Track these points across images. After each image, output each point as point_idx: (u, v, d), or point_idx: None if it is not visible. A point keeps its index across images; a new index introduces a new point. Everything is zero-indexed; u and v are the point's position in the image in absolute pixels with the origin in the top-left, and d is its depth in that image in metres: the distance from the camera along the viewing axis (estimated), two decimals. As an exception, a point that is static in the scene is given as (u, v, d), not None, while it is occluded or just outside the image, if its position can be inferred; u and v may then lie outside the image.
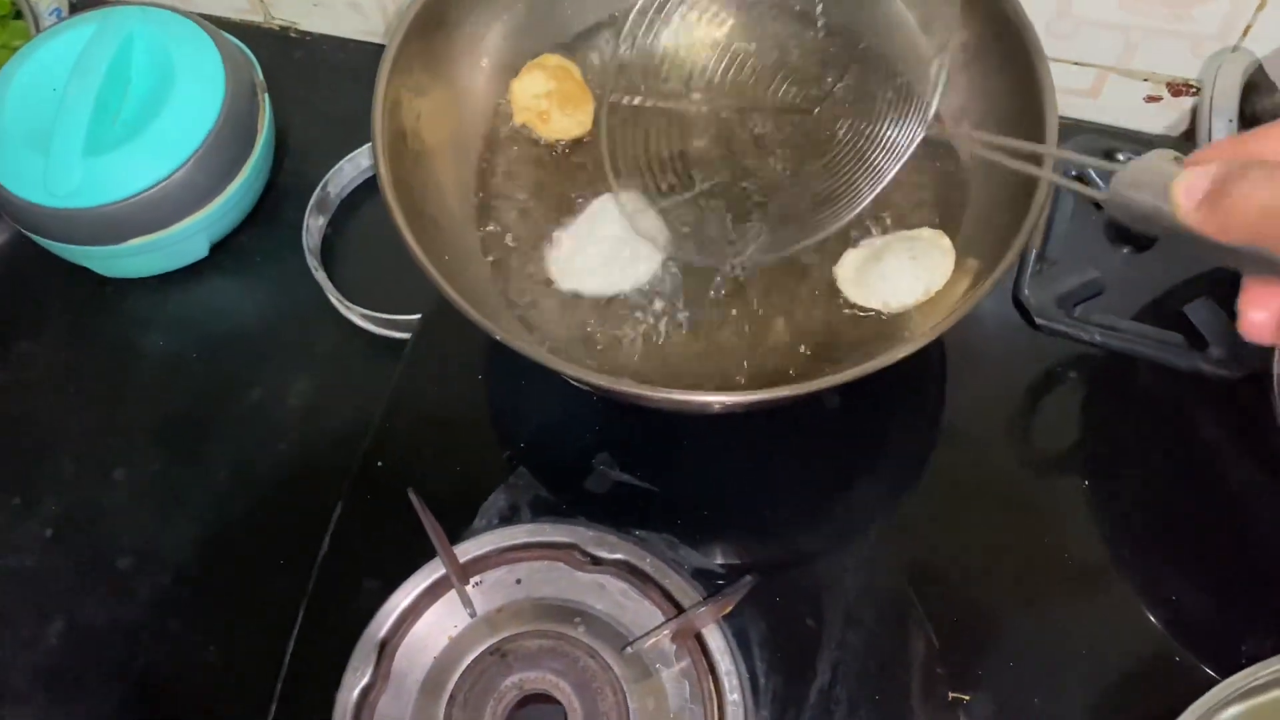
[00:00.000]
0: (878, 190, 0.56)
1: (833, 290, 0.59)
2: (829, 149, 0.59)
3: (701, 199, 0.61)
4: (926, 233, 0.59)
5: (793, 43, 0.64)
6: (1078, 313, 0.61)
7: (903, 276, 0.58)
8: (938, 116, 0.54)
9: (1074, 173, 0.66)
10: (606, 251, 0.59)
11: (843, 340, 0.58)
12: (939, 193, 0.61)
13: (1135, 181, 0.38)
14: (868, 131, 0.57)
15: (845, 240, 0.60)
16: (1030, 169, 0.51)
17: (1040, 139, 0.54)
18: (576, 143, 0.64)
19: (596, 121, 0.63)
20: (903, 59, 0.60)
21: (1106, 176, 0.64)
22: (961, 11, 0.57)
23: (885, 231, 0.60)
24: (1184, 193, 0.36)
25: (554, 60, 0.64)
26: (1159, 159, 0.38)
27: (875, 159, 0.57)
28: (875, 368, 0.49)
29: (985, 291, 0.50)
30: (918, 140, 0.55)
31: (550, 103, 0.62)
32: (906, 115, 0.55)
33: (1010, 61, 0.56)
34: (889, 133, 0.56)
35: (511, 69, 0.64)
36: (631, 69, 0.61)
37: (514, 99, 0.64)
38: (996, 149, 0.51)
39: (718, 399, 0.54)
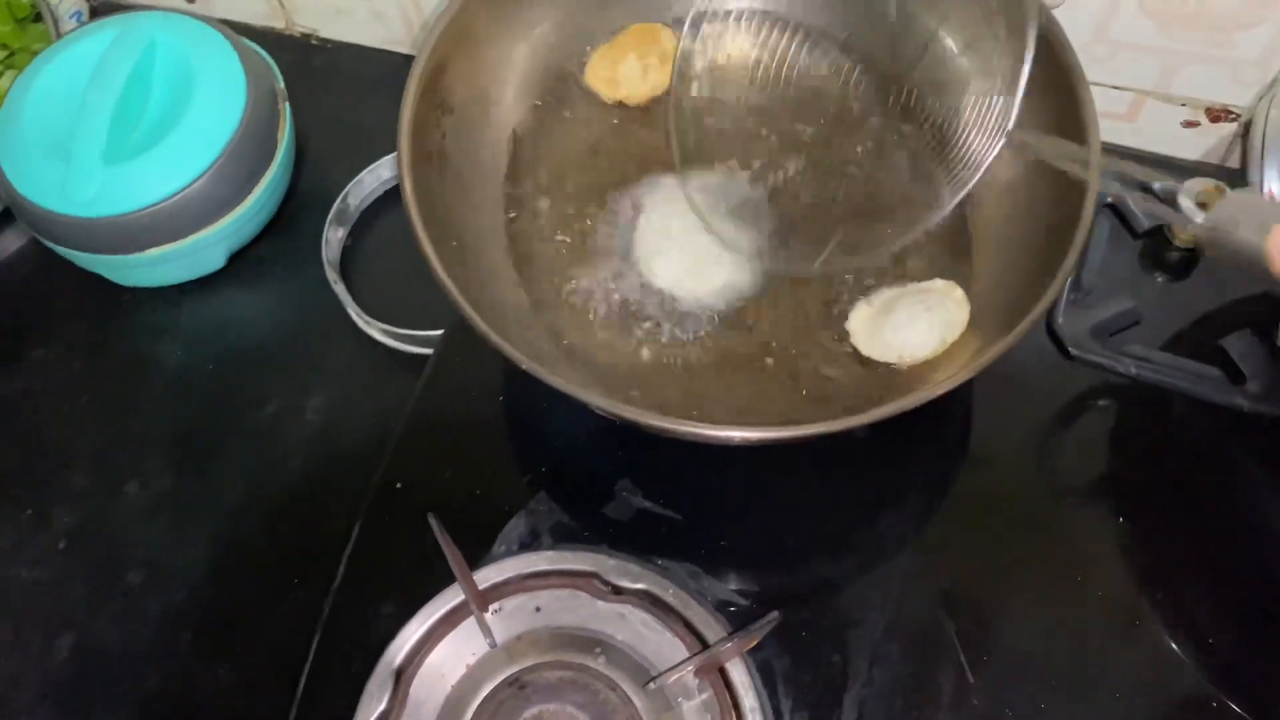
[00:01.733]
0: (959, 198, 0.55)
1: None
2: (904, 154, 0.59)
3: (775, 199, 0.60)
4: (939, 284, 0.58)
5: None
6: (1112, 343, 0.60)
7: (916, 329, 0.57)
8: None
9: (1109, 200, 0.65)
10: (698, 252, 0.58)
11: (861, 390, 0.57)
12: (952, 244, 0.60)
13: (1233, 218, 0.37)
14: (948, 133, 0.57)
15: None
16: (1077, 171, 0.50)
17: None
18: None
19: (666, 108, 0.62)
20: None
21: (1143, 204, 0.64)
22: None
23: (893, 284, 0.59)
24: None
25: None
26: (1257, 199, 0.38)
27: (955, 165, 0.56)
28: (910, 405, 0.48)
29: (1025, 329, 0.49)
30: (998, 147, 0.53)
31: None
32: (986, 122, 0.54)
33: (1050, 84, 0.55)
34: (970, 138, 0.55)
35: (542, 80, 0.63)
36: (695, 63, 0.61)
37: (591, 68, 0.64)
38: (1060, 155, 0.50)
39: (745, 435, 0.53)
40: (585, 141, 0.64)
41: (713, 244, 0.59)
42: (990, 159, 0.54)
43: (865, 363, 0.58)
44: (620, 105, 0.65)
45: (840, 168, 0.62)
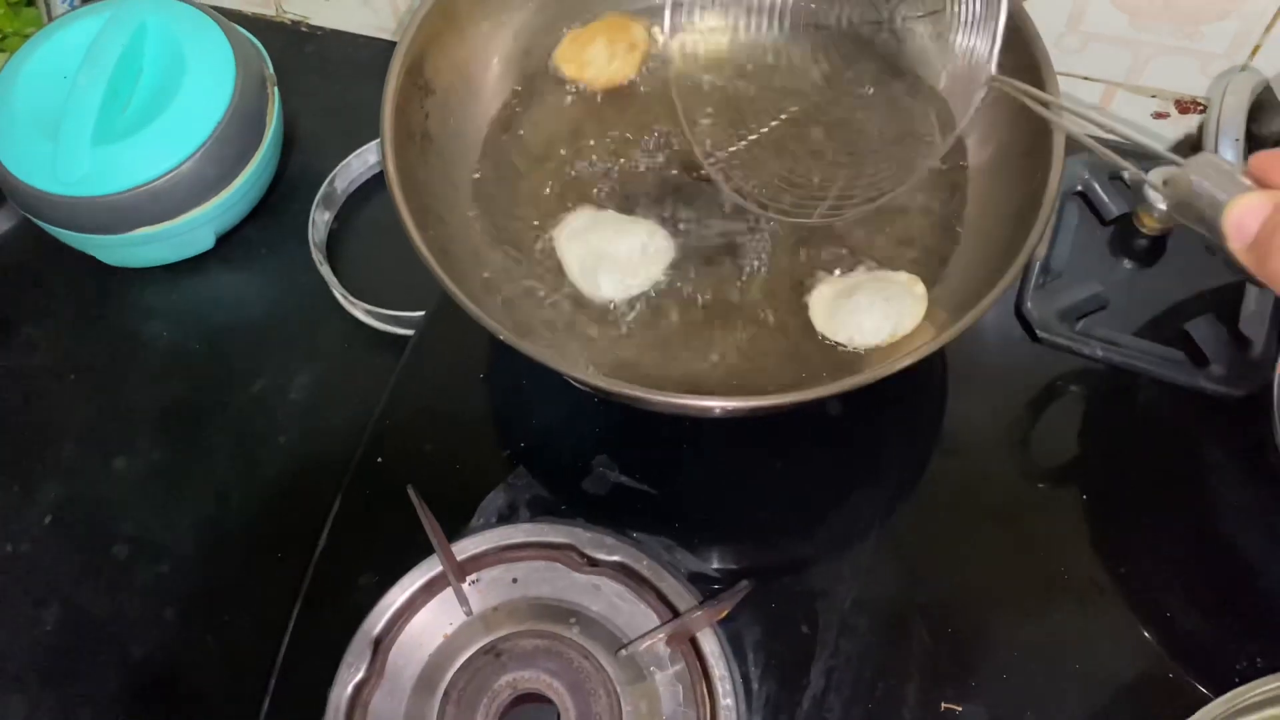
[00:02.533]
0: (954, 135, 0.56)
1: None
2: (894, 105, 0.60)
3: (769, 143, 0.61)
4: (903, 277, 0.59)
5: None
6: (1080, 327, 0.61)
7: (871, 315, 0.57)
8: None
9: (1078, 188, 0.66)
10: (625, 252, 0.59)
11: (811, 365, 0.58)
12: (928, 239, 0.61)
13: (1197, 186, 0.38)
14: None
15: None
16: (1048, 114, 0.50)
17: (1047, 150, 0.54)
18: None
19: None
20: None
21: (1114, 194, 0.65)
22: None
23: (863, 268, 0.60)
24: (1234, 230, 0.37)
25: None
26: (1221, 165, 0.38)
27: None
28: (880, 375, 0.49)
29: (991, 302, 0.50)
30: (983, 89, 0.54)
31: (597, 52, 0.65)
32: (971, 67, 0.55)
33: (1020, 75, 0.56)
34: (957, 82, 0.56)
35: (521, 65, 0.65)
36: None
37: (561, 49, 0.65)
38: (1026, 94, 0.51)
39: (720, 404, 0.55)
40: (562, 125, 0.65)
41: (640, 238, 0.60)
42: (977, 99, 0.54)
43: (818, 341, 0.59)
44: (583, 89, 0.66)
45: (831, 122, 0.63)
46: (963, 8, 0.55)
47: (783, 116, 0.62)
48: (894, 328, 0.57)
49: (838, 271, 0.60)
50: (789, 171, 0.60)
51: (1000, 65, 0.53)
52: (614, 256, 0.59)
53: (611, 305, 0.59)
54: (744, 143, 0.61)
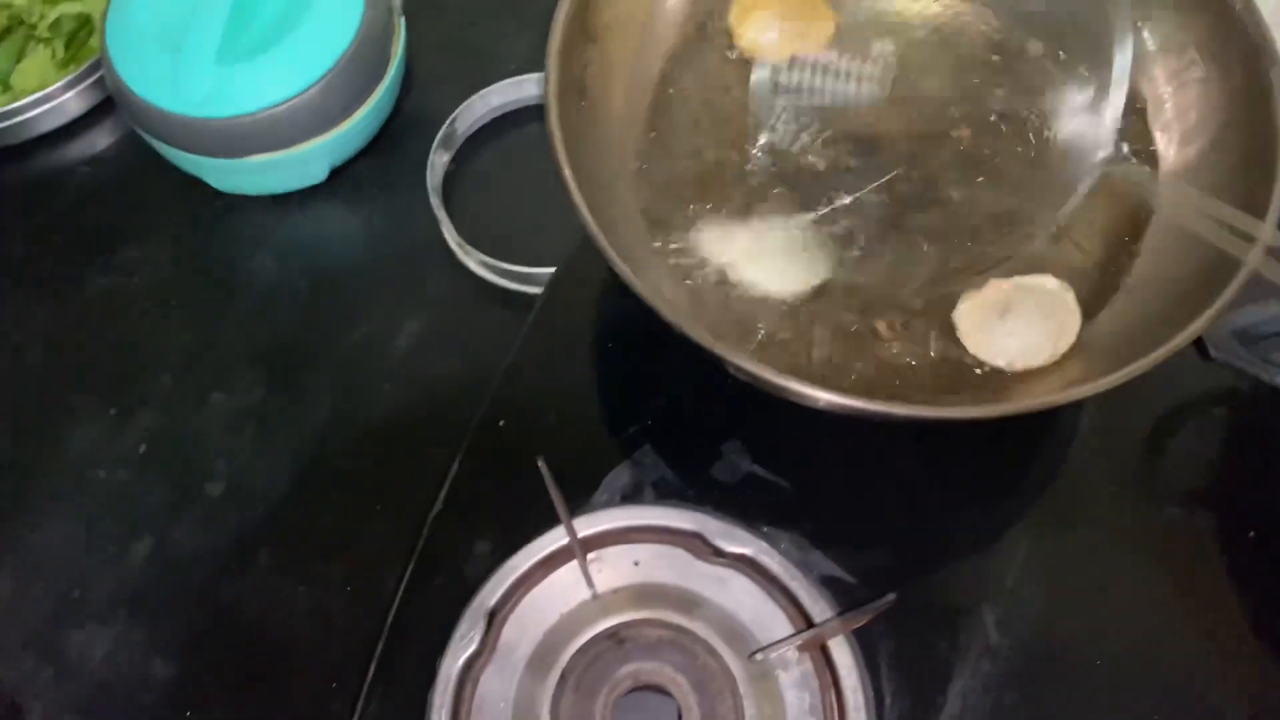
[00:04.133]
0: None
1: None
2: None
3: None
4: (1052, 283, 0.55)
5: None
6: (1258, 349, 0.57)
7: (1031, 334, 0.53)
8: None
9: None
10: (784, 249, 0.55)
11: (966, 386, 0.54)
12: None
13: None
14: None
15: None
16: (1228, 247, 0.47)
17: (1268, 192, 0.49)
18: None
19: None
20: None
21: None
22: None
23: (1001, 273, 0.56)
24: None
25: None
26: None
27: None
28: (1053, 404, 0.46)
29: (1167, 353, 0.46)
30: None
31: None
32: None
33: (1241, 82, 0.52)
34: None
35: (693, 23, 0.60)
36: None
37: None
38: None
39: (874, 407, 0.51)
40: (726, 92, 0.61)
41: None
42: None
43: (967, 357, 0.55)
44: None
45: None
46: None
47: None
48: (1054, 347, 0.54)
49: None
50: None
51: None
52: (772, 254, 0.55)
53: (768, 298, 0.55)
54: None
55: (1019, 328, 0.54)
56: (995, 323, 0.54)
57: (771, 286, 0.55)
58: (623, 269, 0.46)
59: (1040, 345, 0.54)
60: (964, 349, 0.54)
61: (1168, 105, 0.58)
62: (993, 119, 0.59)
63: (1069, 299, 0.55)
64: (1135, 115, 0.58)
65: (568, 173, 0.49)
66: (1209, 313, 0.47)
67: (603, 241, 0.47)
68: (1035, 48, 0.60)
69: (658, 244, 0.56)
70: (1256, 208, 0.49)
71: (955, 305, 0.55)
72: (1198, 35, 0.56)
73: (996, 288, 0.55)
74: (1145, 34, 0.57)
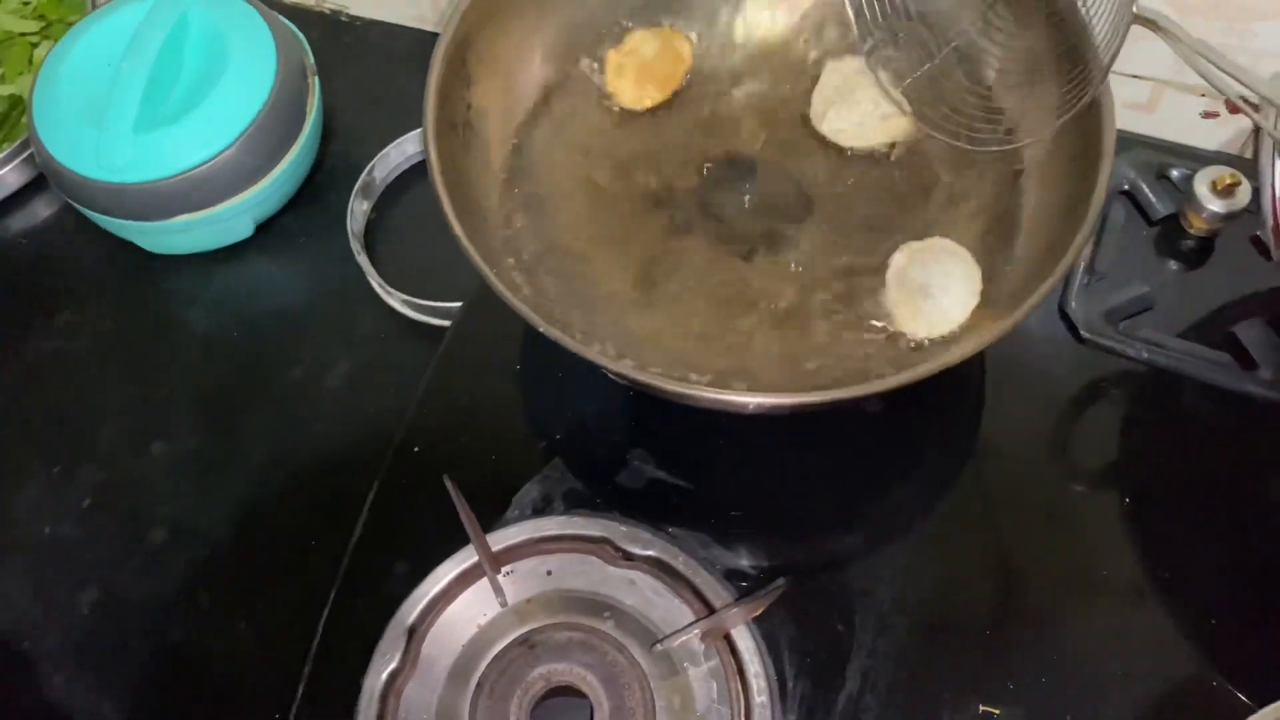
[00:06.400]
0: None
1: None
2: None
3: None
4: (943, 242, 0.58)
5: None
6: (1124, 328, 0.60)
7: (954, 292, 0.56)
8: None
9: (1125, 187, 0.65)
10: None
11: (876, 359, 0.57)
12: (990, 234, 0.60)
13: None
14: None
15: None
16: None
17: (1097, 149, 0.53)
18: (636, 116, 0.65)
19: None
20: None
21: (1161, 194, 0.64)
22: (1017, 20, 0.57)
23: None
24: None
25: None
26: None
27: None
28: (924, 374, 0.49)
29: (1040, 298, 0.49)
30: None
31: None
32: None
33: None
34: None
35: (565, 57, 0.64)
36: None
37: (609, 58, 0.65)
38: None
39: (754, 399, 0.54)
40: (595, 135, 0.65)
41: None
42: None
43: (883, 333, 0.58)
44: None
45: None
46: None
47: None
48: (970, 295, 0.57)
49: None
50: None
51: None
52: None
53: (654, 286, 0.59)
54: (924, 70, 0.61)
55: (938, 290, 0.57)
56: (917, 296, 0.57)
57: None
58: (489, 277, 0.50)
59: (965, 300, 0.57)
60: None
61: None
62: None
63: (963, 251, 0.58)
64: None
65: (445, 198, 0.52)
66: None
67: (472, 252, 0.50)
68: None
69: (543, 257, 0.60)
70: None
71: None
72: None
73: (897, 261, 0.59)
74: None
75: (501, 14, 0.61)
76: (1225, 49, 0.64)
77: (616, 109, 0.65)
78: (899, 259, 0.58)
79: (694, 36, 0.66)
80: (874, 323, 0.58)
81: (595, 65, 0.66)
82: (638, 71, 0.65)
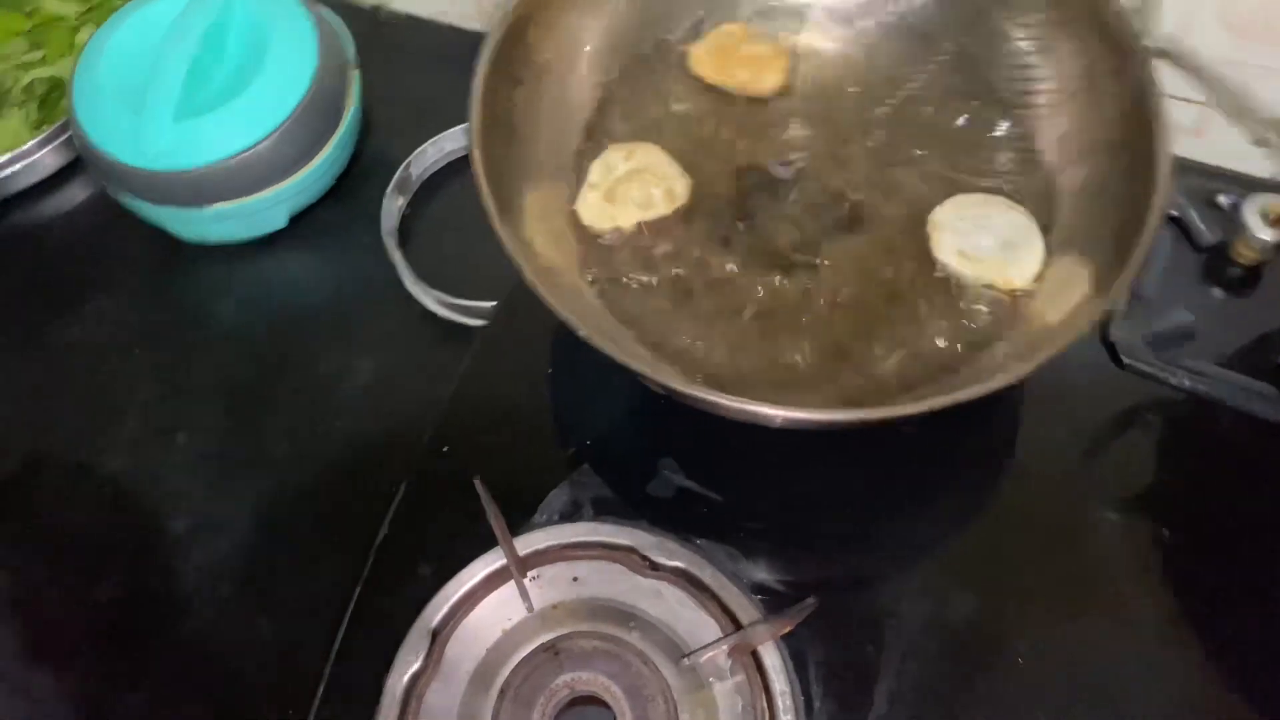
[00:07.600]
0: None
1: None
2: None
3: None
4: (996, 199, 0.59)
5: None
6: (1166, 355, 0.59)
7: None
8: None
9: (1173, 212, 0.64)
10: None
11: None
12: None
13: None
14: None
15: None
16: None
17: (1150, 172, 0.52)
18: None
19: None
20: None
21: (1209, 220, 0.63)
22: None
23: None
24: None
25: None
26: None
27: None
28: (963, 399, 0.48)
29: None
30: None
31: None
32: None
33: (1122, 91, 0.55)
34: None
35: (612, 59, 0.64)
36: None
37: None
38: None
39: (784, 414, 0.53)
40: (655, 124, 0.64)
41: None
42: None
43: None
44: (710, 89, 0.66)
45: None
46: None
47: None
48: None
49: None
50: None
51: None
52: None
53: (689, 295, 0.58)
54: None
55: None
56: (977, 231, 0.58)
57: None
58: (530, 278, 0.49)
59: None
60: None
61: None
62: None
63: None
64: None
65: (488, 197, 0.52)
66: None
67: (513, 253, 0.50)
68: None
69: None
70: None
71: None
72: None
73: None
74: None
75: (550, 10, 0.61)
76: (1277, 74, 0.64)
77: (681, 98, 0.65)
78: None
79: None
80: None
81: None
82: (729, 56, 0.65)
